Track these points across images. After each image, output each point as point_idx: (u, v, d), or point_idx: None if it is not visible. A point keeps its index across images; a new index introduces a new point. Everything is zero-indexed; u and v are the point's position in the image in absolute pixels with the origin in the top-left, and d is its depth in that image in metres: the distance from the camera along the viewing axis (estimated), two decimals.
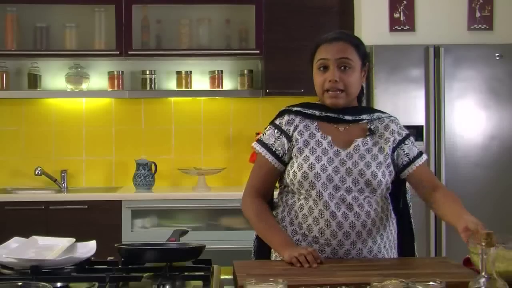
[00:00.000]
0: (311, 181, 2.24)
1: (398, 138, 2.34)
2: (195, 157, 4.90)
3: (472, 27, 4.44)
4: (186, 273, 2.02)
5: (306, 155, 2.28)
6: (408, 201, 2.45)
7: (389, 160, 2.31)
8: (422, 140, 4.25)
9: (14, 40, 4.64)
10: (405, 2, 4.42)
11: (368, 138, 2.32)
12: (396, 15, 4.42)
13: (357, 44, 2.34)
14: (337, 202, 2.23)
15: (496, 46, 4.32)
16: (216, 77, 4.79)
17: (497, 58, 4.29)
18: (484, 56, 4.30)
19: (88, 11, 4.71)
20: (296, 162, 2.29)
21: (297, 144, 2.31)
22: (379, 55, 4.26)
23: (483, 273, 1.53)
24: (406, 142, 2.35)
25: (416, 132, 4.27)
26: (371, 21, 4.42)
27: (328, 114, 2.33)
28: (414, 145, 2.37)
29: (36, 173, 4.64)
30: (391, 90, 4.28)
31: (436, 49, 4.28)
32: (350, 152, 2.28)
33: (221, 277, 2.06)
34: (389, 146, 2.32)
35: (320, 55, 2.31)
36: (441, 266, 2.15)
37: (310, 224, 2.25)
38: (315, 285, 1.77)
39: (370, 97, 4.29)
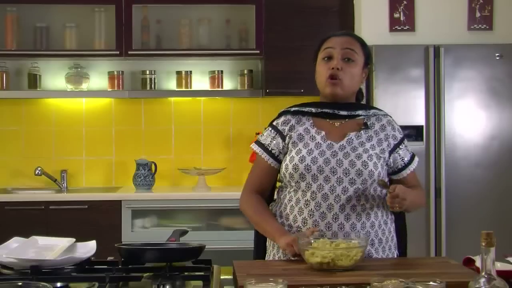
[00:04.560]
0: (301, 173, 2.28)
1: (393, 142, 2.37)
2: (195, 157, 4.90)
3: (472, 27, 4.44)
4: (186, 273, 2.02)
5: (299, 148, 2.31)
6: None
7: (384, 155, 2.32)
8: (422, 140, 4.25)
9: (14, 40, 4.64)
10: (405, 2, 4.41)
11: (362, 131, 2.34)
12: (396, 15, 4.42)
13: (363, 43, 2.41)
14: (325, 193, 2.25)
15: (496, 46, 4.32)
16: (216, 77, 4.79)
17: (497, 58, 4.29)
18: (484, 56, 4.30)
19: (88, 11, 4.71)
20: (289, 155, 2.33)
21: (291, 140, 2.34)
22: (379, 55, 4.26)
23: (483, 273, 1.53)
24: (401, 147, 2.38)
25: (416, 132, 4.27)
26: (371, 21, 4.42)
27: (324, 110, 2.37)
28: (407, 148, 2.41)
29: (36, 173, 4.64)
30: (391, 90, 4.28)
31: (436, 49, 4.27)
32: (343, 144, 2.31)
33: (221, 277, 2.06)
34: (385, 149, 2.34)
35: (326, 45, 2.36)
36: (441, 266, 2.15)
37: (295, 215, 2.29)
38: (315, 285, 1.77)
39: (370, 97, 4.29)
